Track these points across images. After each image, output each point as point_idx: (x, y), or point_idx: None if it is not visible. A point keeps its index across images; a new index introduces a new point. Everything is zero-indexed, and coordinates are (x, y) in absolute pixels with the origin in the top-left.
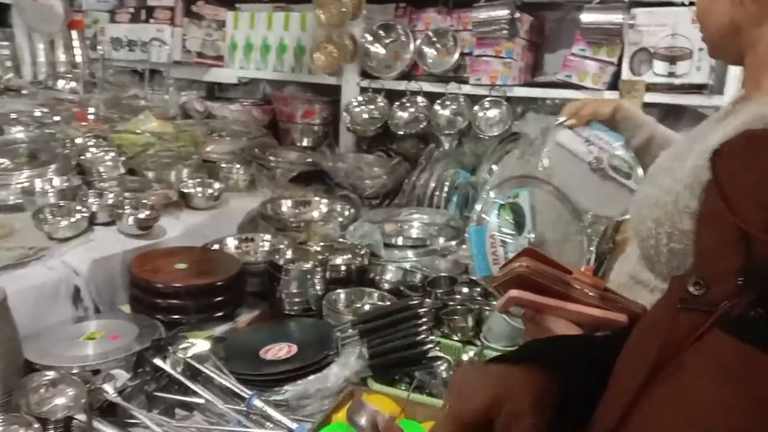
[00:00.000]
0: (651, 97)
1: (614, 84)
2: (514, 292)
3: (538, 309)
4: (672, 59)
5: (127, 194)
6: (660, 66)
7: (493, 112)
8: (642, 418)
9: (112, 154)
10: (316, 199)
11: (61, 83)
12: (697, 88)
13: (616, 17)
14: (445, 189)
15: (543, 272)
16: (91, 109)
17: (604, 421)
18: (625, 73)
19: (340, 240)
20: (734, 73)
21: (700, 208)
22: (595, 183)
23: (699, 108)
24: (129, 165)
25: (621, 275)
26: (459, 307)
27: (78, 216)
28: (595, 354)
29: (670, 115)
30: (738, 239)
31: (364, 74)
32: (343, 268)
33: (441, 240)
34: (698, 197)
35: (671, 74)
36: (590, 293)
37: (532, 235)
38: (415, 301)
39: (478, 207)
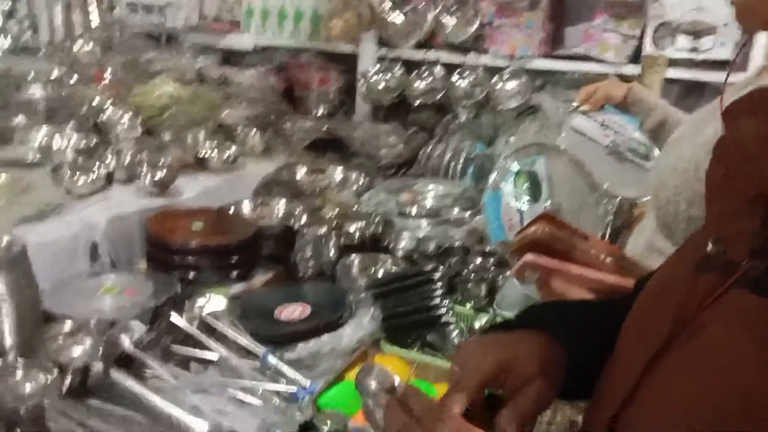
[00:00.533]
0: (673, 73)
1: (636, 58)
2: (529, 256)
3: (553, 274)
4: (696, 34)
5: (144, 154)
6: (683, 41)
7: (511, 84)
8: (659, 384)
9: (130, 115)
10: (332, 166)
11: (78, 45)
12: (721, 65)
13: None
14: (461, 161)
15: (559, 237)
16: (108, 72)
17: (618, 387)
18: (648, 48)
19: (355, 208)
20: (759, 49)
21: (711, 168)
22: (613, 166)
23: (721, 85)
24: (146, 126)
25: (637, 246)
26: (472, 275)
27: (96, 173)
28: (601, 319)
29: (692, 92)
30: (754, 199)
31: (382, 43)
32: (357, 235)
33: (455, 210)
34: None
35: (694, 49)
36: (607, 260)
37: (549, 203)
38: (430, 267)
39: (494, 173)
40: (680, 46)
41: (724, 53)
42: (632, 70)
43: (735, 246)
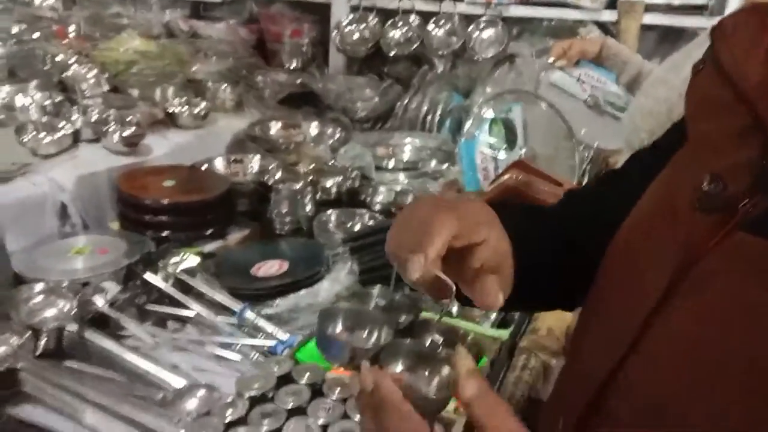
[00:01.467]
0: (649, 18)
1: (613, 3)
2: None
3: None
4: None
5: (111, 111)
6: None
7: (487, 33)
8: (665, 337)
9: (95, 71)
10: (306, 121)
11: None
12: (697, 9)
13: None
14: (438, 112)
15: (533, 184)
16: (72, 27)
17: (616, 339)
18: None
19: (331, 162)
20: None
21: (691, 95)
22: (592, 118)
23: (698, 30)
24: (112, 83)
25: None
26: None
27: (62, 132)
28: (542, 221)
29: (668, 38)
30: (750, 127)
31: None
32: (333, 189)
33: (433, 163)
34: None
35: None
36: None
37: (524, 151)
38: None
39: (469, 121)
40: None
41: None
42: (609, 16)
43: (734, 181)
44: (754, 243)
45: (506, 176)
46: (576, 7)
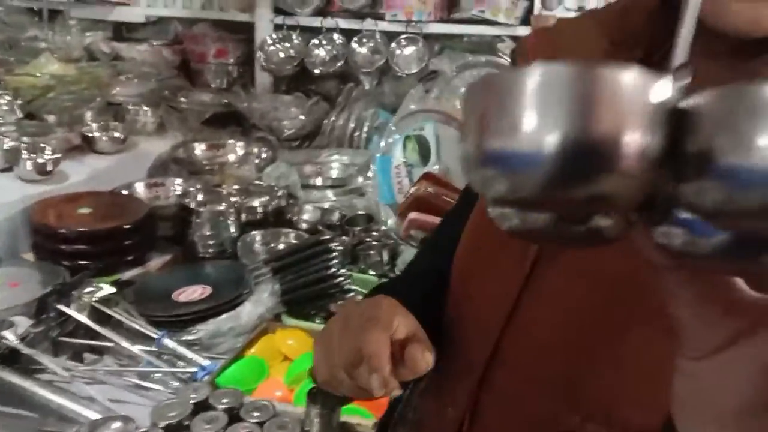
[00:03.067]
0: None
1: (526, 19)
2: (412, 215)
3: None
4: None
5: (25, 139)
6: (570, 0)
7: (409, 50)
8: (529, 315)
9: (8, 97)
10: (231, 141)
11: None
12: None
13: None
14: (365, 129)
15: (442, 195)
16: None
17: (485, 329)
18: (537, 8)
19: (257, 182)
20: None
21: None
22: None
23: None
24: (27, 109)
25: None
26: (374, 243)
27: None
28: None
29: None
30: None
31: (278, 11)
32: (260, 210)
33: (360, 179)
34: None
35: (581, 8)
36: None
37: (437, 167)
38: (327, 237)
39: (384, 138)
40: (569, 6)
41: None
42: (524, 31)
43: None
44: None
45: (414, 188)
46: (493, 23)
